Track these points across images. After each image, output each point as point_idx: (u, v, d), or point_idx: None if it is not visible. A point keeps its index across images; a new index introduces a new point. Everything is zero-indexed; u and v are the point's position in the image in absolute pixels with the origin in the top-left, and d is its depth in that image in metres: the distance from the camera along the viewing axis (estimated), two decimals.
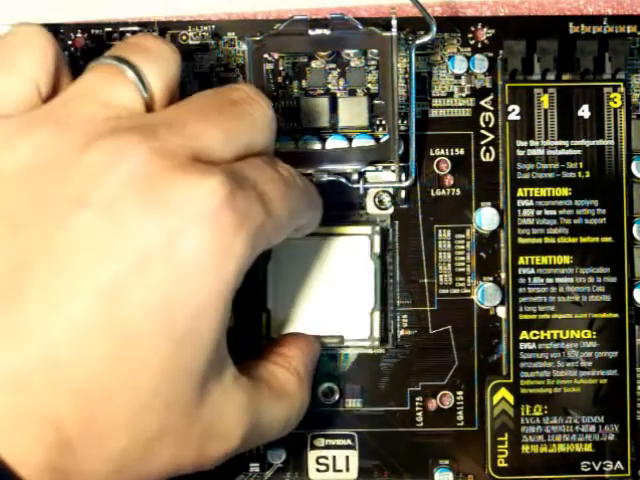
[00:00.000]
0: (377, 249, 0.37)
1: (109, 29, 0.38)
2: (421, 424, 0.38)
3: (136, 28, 0.38)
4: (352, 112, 0.38)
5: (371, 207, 0.38)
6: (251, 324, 0.37)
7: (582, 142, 0.38)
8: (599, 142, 0.38)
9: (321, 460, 0.38)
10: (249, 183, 0.29)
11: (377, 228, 0.38)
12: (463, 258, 0.38)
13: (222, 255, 0.27)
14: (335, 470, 0.38)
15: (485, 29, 0.39)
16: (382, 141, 0.38)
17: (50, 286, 0.26)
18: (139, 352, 0.27)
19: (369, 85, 0.38)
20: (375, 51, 0.38)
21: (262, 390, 0.32)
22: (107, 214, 0.27)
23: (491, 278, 0.38)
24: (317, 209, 0.33)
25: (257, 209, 0.28)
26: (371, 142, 0.38)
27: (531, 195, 0.38)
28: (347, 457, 0.38)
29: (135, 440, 0.28)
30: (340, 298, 0.37)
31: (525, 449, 0.37)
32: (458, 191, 0.38)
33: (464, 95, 0.39)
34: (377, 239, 0.37)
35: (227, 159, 0.29)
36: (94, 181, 0.27)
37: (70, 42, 0.38)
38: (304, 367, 0.35)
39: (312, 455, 0.38)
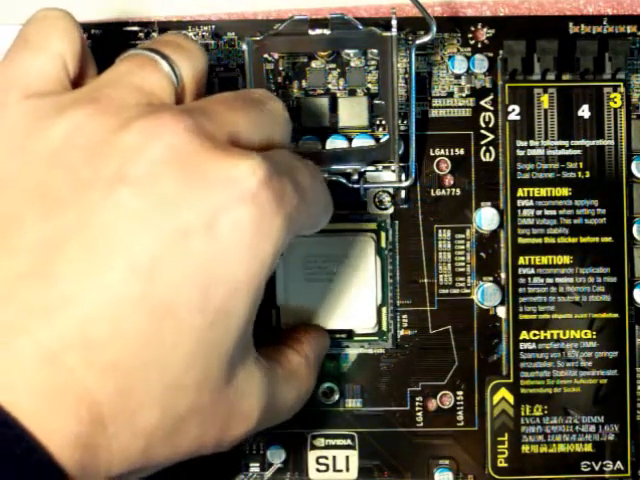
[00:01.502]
0: (383, 245, 0.38)
1: (109, 29, 0.38)
2: (421, 424, 0.38)
3: (136, 28, 0.38)
4: (352, 112, 0.38)
5: (371, 207, 0.38)
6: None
7: (582, 142, 0.38)
8: (599, 142, 0.38)
9: (321, 460, 0.38)
10: (283, 168, 0.29)
11: (382, 224, 0.38)
12: (463, 258, 0.38)
13: (260, 235, 0.28)
14: (335, 470, 0.38)
15: (485, 29, 0.39)
16: (382, 141, 0.38)
17: (86, 261, 0.26)
18: (174, 329, 0.27)
19: (369, 85, 0.38)
20: (375, 51, 0.38)
21: (277, 372, 0.33)
22: (145, 191, 0.27)
23: (491, 278, 0.38)
24: (330, 206, 0.34)
25: (292, 192, 0.29)
26: (371, 142, 0.38)
27: (531, 195, 0.38)
28: (347, 457, 0.38)
29: (165, 418, 0.28)
30: (348, 294, 0.37)
31: (525, 449, 0.37)
32: (458, 191, 0.38)
33: (464, 95, 0.39)
34: (383, 235, 0.38)
35: (255, 147, 0.29)
36: (131, 159, 0.27)
37: None
38: (314, 354, 0.35)
39: (312, 455, 0.38)
